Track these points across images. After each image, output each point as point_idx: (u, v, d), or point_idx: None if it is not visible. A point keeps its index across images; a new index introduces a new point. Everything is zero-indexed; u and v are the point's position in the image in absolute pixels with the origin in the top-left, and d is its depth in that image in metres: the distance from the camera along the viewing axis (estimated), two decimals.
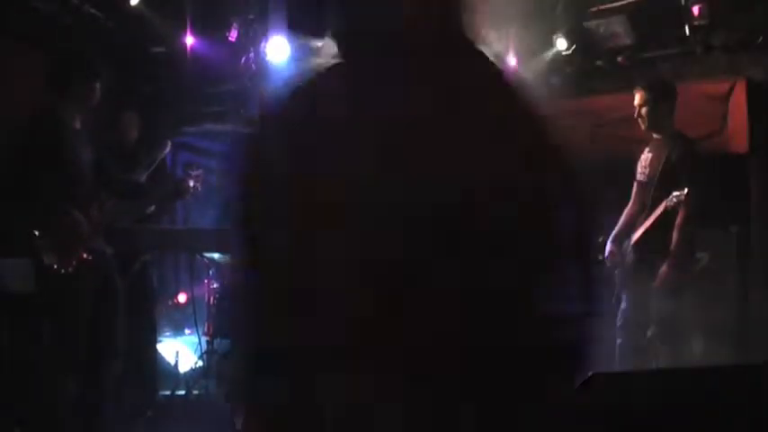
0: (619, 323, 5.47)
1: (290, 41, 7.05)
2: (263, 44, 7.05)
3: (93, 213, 4.66)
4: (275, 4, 7.05)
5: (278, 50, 7.01)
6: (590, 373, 2.43)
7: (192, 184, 5.36)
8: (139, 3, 6.32)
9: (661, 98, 5.38)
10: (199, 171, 5.49)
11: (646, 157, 5.47)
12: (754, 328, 6.53)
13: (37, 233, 4.42)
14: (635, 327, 5.37)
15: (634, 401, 2.50)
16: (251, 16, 7.03)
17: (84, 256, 4.55)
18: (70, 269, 4.44)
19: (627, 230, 5.49)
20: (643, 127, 5.43)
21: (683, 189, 4.99)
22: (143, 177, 5.73)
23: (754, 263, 6.80)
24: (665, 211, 5.08)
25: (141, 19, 6.46)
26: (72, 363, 4.61)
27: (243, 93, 7.87)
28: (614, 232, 5.59)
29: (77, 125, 4.73)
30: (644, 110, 5.38)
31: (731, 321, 6.54)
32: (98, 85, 4.79)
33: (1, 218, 4.80)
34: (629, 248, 5.40)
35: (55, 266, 4.40)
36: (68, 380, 4.61)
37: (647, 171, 5.43)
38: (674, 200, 5.00)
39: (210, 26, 6.86)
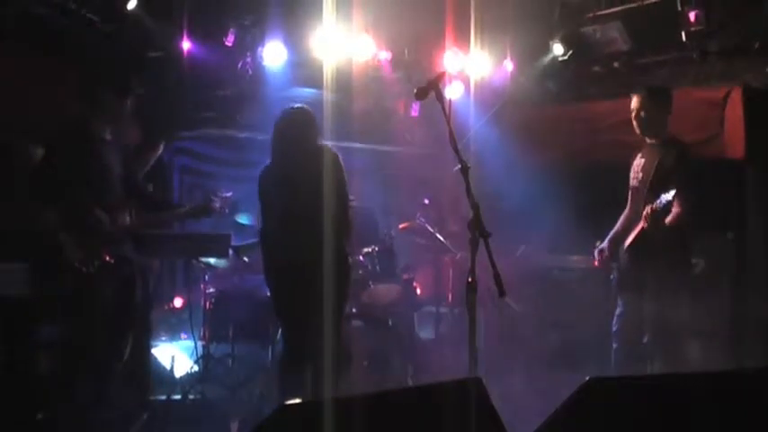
0: (614, 328, 5.47)
1: (286, 46, 7.07)
2: (259, 49, 7.06)
3: (120, 219, 4.71)
4: (272, 9, 7.07)
5: (274, 55, 7.03)
6: (587, 378, 2.43)
7: (218, 205, 5.41)
8: (136, 7, 6.31)
9: (658, 103, 5.39)
10: (228, 194, 5.55)
11: (638, 162, 5.48)
12: (751, 332, 6.54)
13: (62, 232, 4.49)
14: (631, 331, 5.38)
15: (631, 407, 2.50)
16: (247, 21, 7.03)
17: (107, 258, 4.59)
18: (92, 269, 4.48)
19: (623, 236, 5.49)
20: (638, 132, 5.45)
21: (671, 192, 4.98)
22: (139, 179, 5.71)
23: (751, 268, 6.81)
24: (654, 213, 5.06)
25: (138, 23, 6.46)
26: (82, 365, 4.64)
27: (240, 97, 7.89)
28: (610, 235, 5.59)
29: (108, 137, 4.81)
30: (641, 114, 5.40)
31: (728, 326, 6.55)
32: (129, 101, 4.89)
33: (17, 217, 4.88)
34: (624, 253, 5.40)
35: (77, 264, 4.44)
36: (76, 382, 4.64)
37: (640, 176, 5.44)
38: (664, 201, 4.99)
39: (207, 31, 6.87)
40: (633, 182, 5.50)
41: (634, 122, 5.43)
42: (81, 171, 4.61)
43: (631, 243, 5.32)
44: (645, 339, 5.33)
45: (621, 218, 5.61)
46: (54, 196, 4.63)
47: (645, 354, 5.34)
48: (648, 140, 5.45)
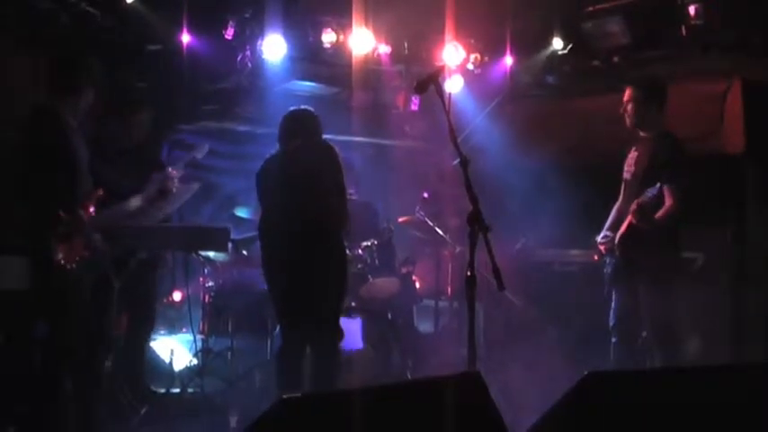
0: (612, 322, 5.48)
1: (286, 40, 7.06)
2: (259, 42, 7.05)
3: (90, 210, 4.68)
4: (271, 2, 7.06)
5: (274, 48, 7.01)
6: (585, 372, 2.44)
7: (171, 187, 5.35)
8: (136, 0, 6.32)
9: (650, 97, 5.39)
10: (177, 172, 5.49)
11: (632, 155, 5.49)
12: (750, 327, 6.55)
13: (46, 229, 4.46)
14: (627, 325, 5.38)
15: (629, 401, 2.50)
16: (247, 14, 7.02)
17: (85, 252, 4.59)
18: (74, 265, 4.48)
19: (615, 228, 5.49)
20: (628, 123, 5.45)
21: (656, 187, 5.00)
22: (163, 176, 5.64)
23: (750, 262, 6.81)
24: (640, 208, 5.07)
25: (138, 17, 6.46)
26: (71, 360, 4.64)
27: (239, 90, 7.88)
28: (606, 225, 5.60)
29: (74, 124, 4.76)
30: (630, 107, 5.41)
31: (727, 321, 6.55)
32: (94, 89, 4.85)
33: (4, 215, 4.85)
34: (615, 246, 5.39)
35: (62, 262, 4.44)
36: (67, 377, 4.63)
37: (632, 169, 5.45)
38: (649, 195, 5.00)
39: (207, 24, 6.86)
40: (626, 175, 5.51)
41: (624, 113, 5.44)
42: (56, 164, 4.57)
43: (622, 237, 5.32)
44: (644, 333, 5.34)
45: (614, 210, 5.61)
46: (32, 193, 4.59)
47: (644, 348, 5.35)
48: (642, 134, 5.45)
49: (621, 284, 5.42)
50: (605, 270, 5.54)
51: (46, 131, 4.62)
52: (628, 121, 5.43)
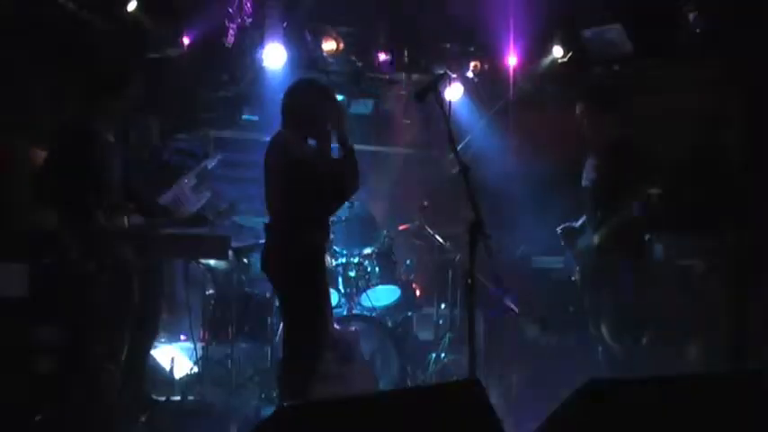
0: (592, 329, 5.54)
1: (286, 48, 7.08)
2: (259, 50, 7.07)
3: (119, 222, 4.74)
4: (271, 10, 7.07)
5: (274, 56, 7.03)
6: (587, 379, 2.44)
7: (211, 218, 5.36)
8: (136, 8, 6.33)
9: (600, 107, 5.55)
10: (225, 206, 5.52)
11: (590, 163, 5.60)
12: (752, 334, 6.54)
13: (66, 233, 4.52)
14: (610, 327, 5.42)
15: (630, 407, 2.50)
16: (248, 22, 7.03)
17: (106, 260, 4.62)
18: (92, 270, 4.52)
19: (579, 234, 5.60)
20: (586, 135, 5.62)
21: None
22: (190, 184, 5.65)
23: (751, 269, 6.80)
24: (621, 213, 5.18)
25: (138, 25, 6.47)
26: (84, 362, 4.66)
27: (239, 98, 7.89)
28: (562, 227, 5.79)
29: (110, 138, 4.81)
30: (584, 120, 5.58)
31: (728, 328, 6.54)
32: (130, 102, 4.89)
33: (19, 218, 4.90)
34: (592, 251, 5.44)
35: (78, 265, 4.48)
36: (75, 382, 4.65)
37: (591, 176, 5.53)
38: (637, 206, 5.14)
39: (207, 31, 6.87)
40: (585, 182, 5.60)
41: (581, 129, 5.62)
42: (83, 173, 4.63)
43: (599, 242, 5.38)
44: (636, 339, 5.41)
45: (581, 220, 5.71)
46: (56, 197, 4.64)
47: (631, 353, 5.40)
48: (600, 142, 5.54)
49: (590, 289, 5.50)
50: (573, 278, 5.64)
51: (74, 141, 4.68)
52: (585, 132, 5.59)
